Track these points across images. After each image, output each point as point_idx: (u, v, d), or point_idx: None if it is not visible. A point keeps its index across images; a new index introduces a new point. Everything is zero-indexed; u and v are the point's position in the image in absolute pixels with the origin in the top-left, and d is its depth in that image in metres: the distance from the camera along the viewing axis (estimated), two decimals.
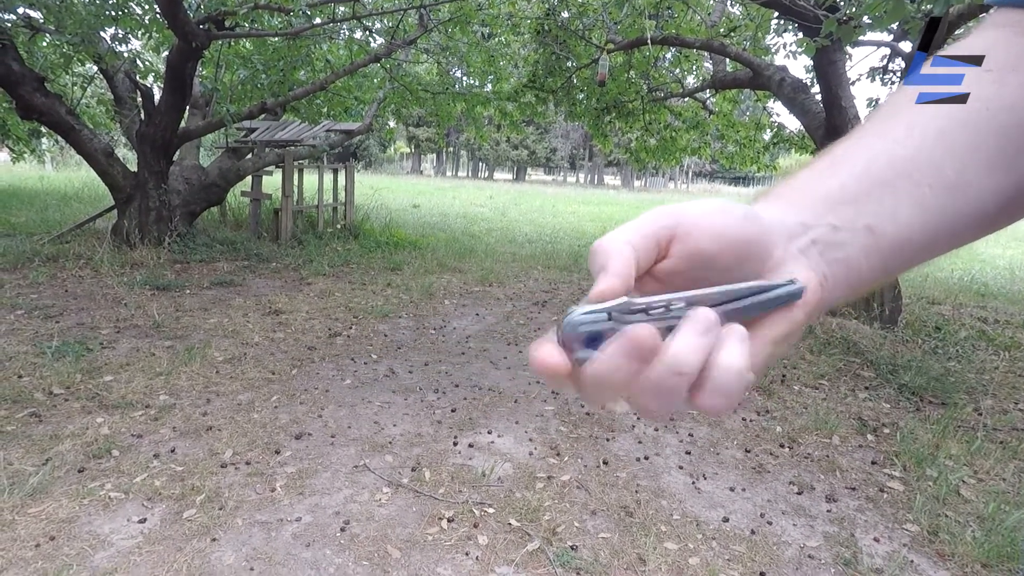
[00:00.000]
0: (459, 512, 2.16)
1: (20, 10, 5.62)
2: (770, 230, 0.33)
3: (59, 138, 7.82)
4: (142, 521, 2.00)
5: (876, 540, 2.16)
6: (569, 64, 7.61)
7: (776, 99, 5.81)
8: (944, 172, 0.35)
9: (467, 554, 1.95)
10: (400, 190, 20.96)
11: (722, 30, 6.97)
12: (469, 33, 7.40)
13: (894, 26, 4.67)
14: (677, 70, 8.34)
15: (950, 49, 0.39)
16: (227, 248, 6.60)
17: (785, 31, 6.26)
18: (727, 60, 6.27)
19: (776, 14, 6.00)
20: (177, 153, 6.79)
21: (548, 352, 0.29)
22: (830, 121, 4.73)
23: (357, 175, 13.28)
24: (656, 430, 2.94)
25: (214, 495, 2.16)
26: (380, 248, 7.52)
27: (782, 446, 2.85)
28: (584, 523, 2.16)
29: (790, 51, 6.40)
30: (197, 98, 7.40)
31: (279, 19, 6.51)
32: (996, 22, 0.39)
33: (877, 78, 6.05)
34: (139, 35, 5.94)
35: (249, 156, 7.58)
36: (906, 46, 5.34)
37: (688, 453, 2.73)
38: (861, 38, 3.84)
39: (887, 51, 5.83)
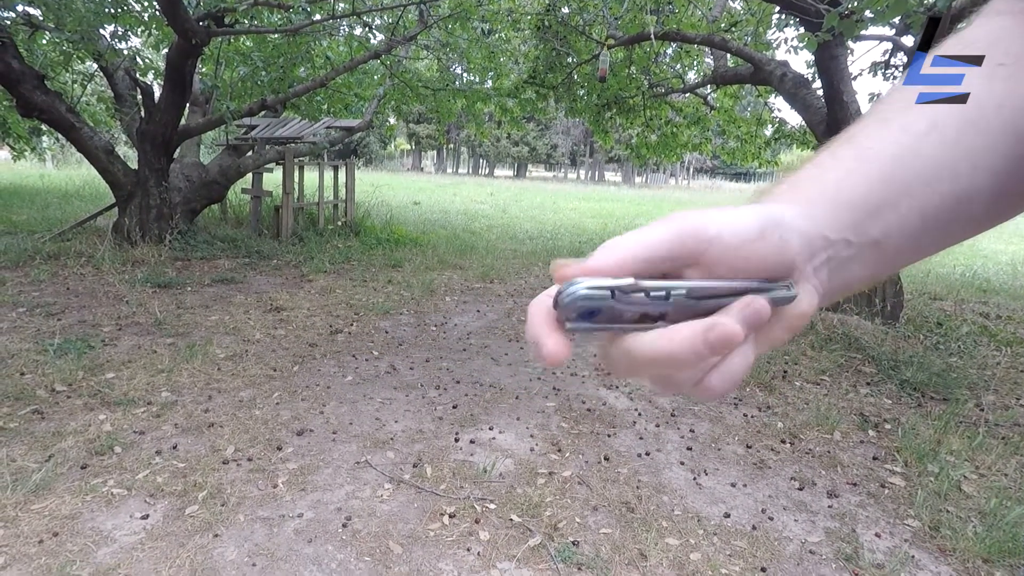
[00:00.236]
0: (460, 508, 2.17)
1: (20, 8, 5.62)
2: (798, 251, 0.32)
3: (60, 136, 7.82)
4: (145, 517, 2.00)
5: (877, 535, 2.16)
6: (570, 60, 7.60)
7: (777, 94, 5.81)
8: (955, 176, 0.34)
9: (468, 550, 1.95)
10: (401, 187, 20.94)
11: (723, 25, 6.96)
12: (469, 29, 7.38)
13: (896, 20, 4.65)
14: (678, 66, 8.32)
15: (951, 45, 0.36)
16: (228, 245, 6.60)
17: (786, 26, 6.24)
18: (728, 55, 6.26)
19: (777, 9, 5.98)
20: (177, 151, 6.79)
21: (556, 341, 0.30)
22: (832, 116, 4.71)
23: (357, 172, 13.28)
24: (657, 426, 2.95)
25: (216, 491, 2.17)
26: (381, 245, 7.52)
27: (783, 442, 2.85)
28: (585, 519, 2.16)
29: (791, 46, 6.39)
30: (197, 95, 7.40)
31: (279, 16, 6.51)
32: (999, 9, 0.37)
33: (879, 73, 6.04)
34: (139, 32, 5.93)
35: (250, 153, 7.58)
36: (908, 40, 5.32)
37: (689, 449, 2.73)
38: (863, 33, 3.83)
39: (889, 46, 5.82)
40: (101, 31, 5.97)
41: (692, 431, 2.91)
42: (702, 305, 0.30)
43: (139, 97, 6.56)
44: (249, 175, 7.50)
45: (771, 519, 2.23)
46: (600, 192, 28.62)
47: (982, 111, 0.34)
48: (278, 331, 4.01)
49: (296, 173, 7.60)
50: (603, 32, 6.88)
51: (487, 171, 57.06)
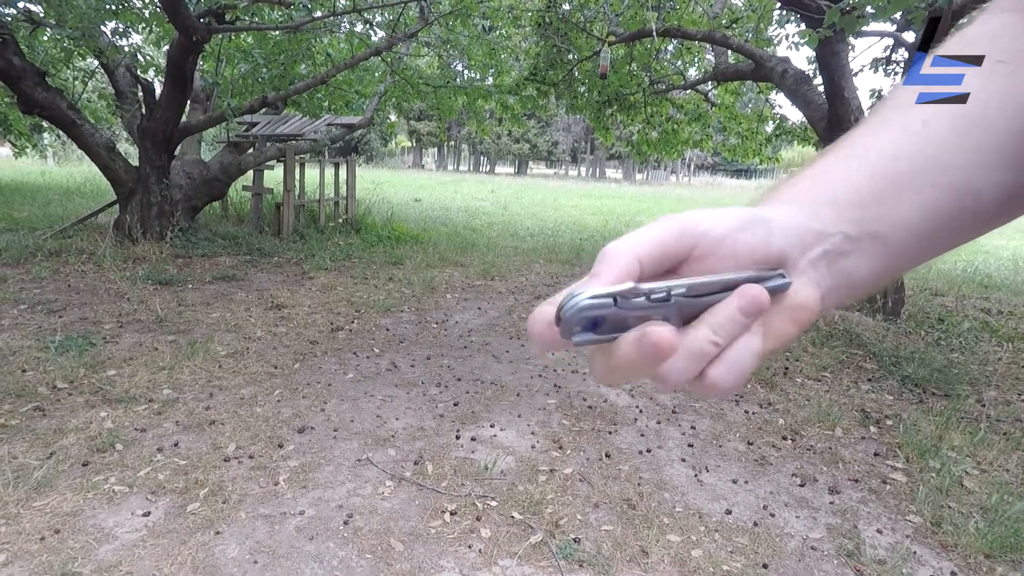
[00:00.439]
0: (462, 505, 2.17)
1: (20, 4, 5.61)
2: (789, 245, 0.33)
3: (60, 133, 7.82)
4: (146, 515, 2.00)
5: (879, 531, 2.16)
6: (570, 57, 7.58)
7: (778, 91, 5.78)
8: (956, 172, 0.34)
9: (470, 547, 1.95)
10: (401, 184, 20.93)
11: (724, 21, 6.94)
12: (470, 26, 7.37)
13: (897, 16, 4.63)
14: (679, 62, 8.30)
15: (952, 44, 0.36)
16: (229, 243, 6.60)
17: (787, 22, 6.21)
18: (729, 52, 6.24)
19: (778, 5, 5.96)
20: (178, 148, 6.79)
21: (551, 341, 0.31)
22: (833, 112, 4.70)
23: (358, 169, 13.27)
24: (659, 423, 2.95)
25: (217, 489, 2.17)
26: (382, 242, 7.52)
27: (785, 438, 2.85)
28: (587, 516, 2.16)
29: (792, 42, 6.36)
30: (198, 92, 7.39)
31: (280, 13, 6.50)
32: (1003, 6, 0.37)
33: (880, 69, 6.02)
34: (140, 29, 5.93)
35: (250, 150, 7.58)
36: (910, 36, 5.30)
37: (690, 446, 2.73)
38: (864, 28, 3.81)
39: (890, 42, 5.79)
40: (102, 28, 5.96)
41: (693, 428, 2.91)
42: (703, 302, 0.31)
43: (140, 94, 6.55)
44: (250, 172, 7.50)
45: (772, 515, 2.23)
46: (601, 189, 28.59)
47: (983, 108, 0.34)
48: (279, 328, 4.02)
49: (297, 170, 7.60)
50: (604, 29, 6.86)
51: (488, 168, 57.01)
